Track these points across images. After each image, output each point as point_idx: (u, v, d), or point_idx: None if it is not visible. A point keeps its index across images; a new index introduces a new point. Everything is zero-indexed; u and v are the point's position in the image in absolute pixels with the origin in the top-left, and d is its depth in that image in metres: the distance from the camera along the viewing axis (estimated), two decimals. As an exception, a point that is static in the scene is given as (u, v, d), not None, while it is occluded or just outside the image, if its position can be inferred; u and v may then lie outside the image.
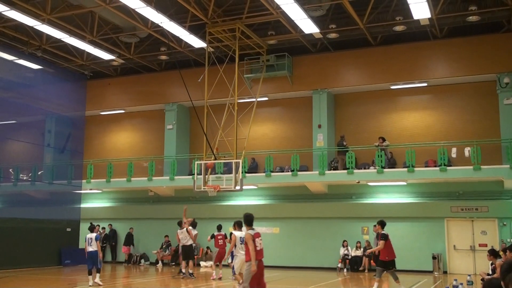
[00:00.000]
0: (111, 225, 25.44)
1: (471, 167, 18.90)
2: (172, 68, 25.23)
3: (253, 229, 9.24)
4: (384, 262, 14.00)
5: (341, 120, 23.22)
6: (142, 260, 24.48)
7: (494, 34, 20.54)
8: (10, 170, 26.01)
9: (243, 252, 10.86)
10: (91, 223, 16.28)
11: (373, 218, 21.23)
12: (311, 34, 20.63)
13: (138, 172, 24.36)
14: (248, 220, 9.34)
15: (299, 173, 21.32)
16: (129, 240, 24.70)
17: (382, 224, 14.33)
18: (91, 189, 25.40)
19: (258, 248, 9.02)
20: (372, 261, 19.19)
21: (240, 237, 12.95)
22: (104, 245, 25.09)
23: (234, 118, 19.55)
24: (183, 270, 17.93)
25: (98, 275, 15.36)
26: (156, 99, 25.63)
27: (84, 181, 24.84)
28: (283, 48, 22.65)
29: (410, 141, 21.15)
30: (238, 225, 13.52)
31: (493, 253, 13.04)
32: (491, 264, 15.78)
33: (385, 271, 14.15)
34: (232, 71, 20.22)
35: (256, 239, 9.05)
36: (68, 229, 23.79)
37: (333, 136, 22.78)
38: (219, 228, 18.76)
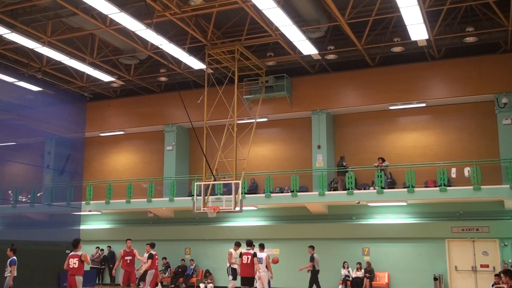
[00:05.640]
0: (110, 247, 25.27)
1: (471, 187, 18.87)
2: (171, 89, 25.33)
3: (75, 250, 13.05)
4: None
5: (341, 141, 23.23)
6: (141, 283, 24.22)
7: (492, 55, 20.66)
8: (10, 192, 25.95)
9: (262, 270, 14.92)
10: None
11: (374, 239, 21.28)
12: (309, 55, 20.76)
13: (137, 193, 24.30)
14: (74, 243, 13.24)
15: (299, 193, 21.26)
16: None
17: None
18: (90, 211, 25.29)
19: (71, 266, 12.83)
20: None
21: (259, 258, 15.13)
22: (103, 267, 24.92)
23: (233, 139, 19.57)
24: None
25: None
26: (156, 120, 25.68)
27: (83, 202, 24.74)
28: (282, 69, 22.78)
29: (410, 161, 21.14)
30: (260, 246, 15.84)
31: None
32: (493, 285, 15.71)
33: None
34: (232, 92, 20.29)
35: (71, 259, 12.86)
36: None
37: (332, 157, 22.78)
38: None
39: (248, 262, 14.75)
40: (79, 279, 12.83)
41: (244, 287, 14.97)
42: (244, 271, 14.86)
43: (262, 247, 15.94)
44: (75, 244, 13.15)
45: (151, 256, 16.25)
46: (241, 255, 15.08)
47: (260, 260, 15.23)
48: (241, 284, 15.15)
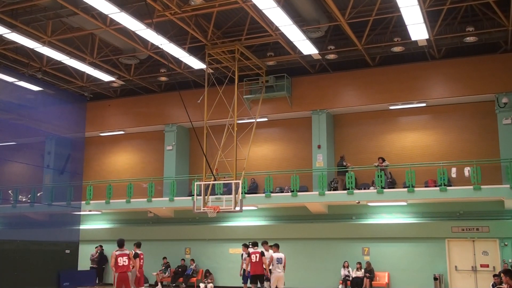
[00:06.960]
0: (101, 246, 25.21)
1: (471, 187, 18.87)
2: (171, 89, 25.33)
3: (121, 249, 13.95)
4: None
5: (341, 141, 23.23)
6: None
7: (492, 54, 20.65)
8: (10, 191, 25.94)
9: (279, 270, 15.46)
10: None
11: (374, 239, 21.27)
12: (310, 55, 20.76)
13: (137, 193, 24.29)
14: (119, 243, 14.14)
15: (299, 193, 21.26)
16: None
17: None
18: (90, 211, 25.29)
19: (120, 264, 13.66)
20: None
21: (276, 258, 15.65)
22: (104, 266, 24.89)
23: (233, 138, 19.58)
24: None
25: None
26: (156, 120, 25.68)
27: (83, 202, 24.73)
28: (282, 69, 22.77)
29: (410, 161, 21.13)
30: (275, 246, 16.12)
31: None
32: (493, 285, 15.71)
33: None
34: (232, 92, 20.30)
35: (119, 258, 13.72)
36: (67, 251, 23.59)
37: (332, 157, 22.77)
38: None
39: (257, 260, 15.57)
40: (130, 274, 14.16)
41: (254, 285, 15.69)
42: (254, 269, 15.59)
43: (277, 247, 16.15)
44: (121, 244, 14.21)
45: (136, 256, 16.31)
46: (249, 254, 15.93)
47: (279, 261, 15.68)
48: (251, 282, 15.81)
